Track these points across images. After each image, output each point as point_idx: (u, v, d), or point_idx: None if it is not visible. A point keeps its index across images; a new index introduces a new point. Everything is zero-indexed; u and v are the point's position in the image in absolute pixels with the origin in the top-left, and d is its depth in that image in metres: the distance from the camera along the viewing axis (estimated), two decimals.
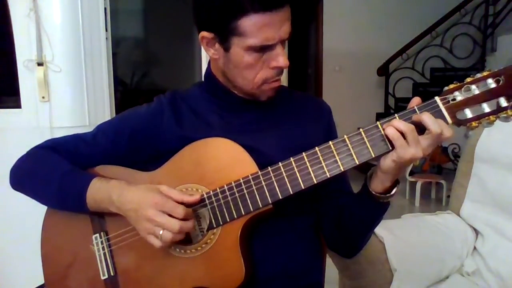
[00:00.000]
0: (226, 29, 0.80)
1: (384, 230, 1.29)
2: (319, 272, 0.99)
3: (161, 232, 0.78)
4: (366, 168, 0.87)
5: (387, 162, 0.75)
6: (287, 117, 0.94)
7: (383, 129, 0.74)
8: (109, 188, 0.85)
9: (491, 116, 0.72)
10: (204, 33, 0.84)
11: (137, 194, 0.82)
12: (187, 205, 0.81)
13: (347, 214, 0.89)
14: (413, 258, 1.32)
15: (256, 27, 0.78)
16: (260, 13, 0.77)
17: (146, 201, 0.79)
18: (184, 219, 0.79)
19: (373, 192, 0.81)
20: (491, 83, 0.72)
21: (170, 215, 0.78)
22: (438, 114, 0.73)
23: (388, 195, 0.81)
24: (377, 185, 0.80)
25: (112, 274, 0.89)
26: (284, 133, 0.91)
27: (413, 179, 3.85)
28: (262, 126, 0.92)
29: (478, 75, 0.73)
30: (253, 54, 0.81)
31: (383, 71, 5.31)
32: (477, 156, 1.44)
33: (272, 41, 0.80)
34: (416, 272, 1.31)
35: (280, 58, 0.82)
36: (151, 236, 0.79)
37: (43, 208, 0.96)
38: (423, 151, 0.72)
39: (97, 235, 0.91)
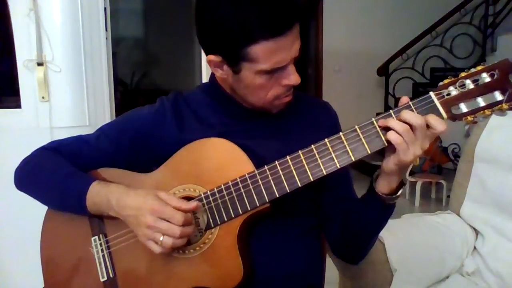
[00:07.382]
0: (235, 55, 0.79)
1: (384, 230, 1.27)
2: (319, 273, 0.98)
3: (161, 238, 0.78)
4: (366, 168, 0.87)
5: (390, 165, 0.76)
6: (291, 123, 0.93)
7: (380, 130, 0.75)
8: (108, 192, 0.85)
9: (486, 110, 0.72)
10: (212, 57, 0.82)
11: (135, 199, 0.82)
12: (185, 211, 0.80)
13: (353, 218, 0.89)
14: (413, 258, 1.32)
15: (267, 53, 0.77)
16: (270, 40, 0.75)
17: (145, 207, 0.79)
18: (184, 225, 0.78)
19: (379, 193, 0.81)
20: (486, 77, 0.71)
21: (169, 222, 0.78)
22: (433, 109, 0.73)
23: (393, 196, 0.81)
24: (384, 186, 0.80)
25: (111, 276, 0.89)
26: (288, 139, 0.90)
27: (413, 179, 3.84)
28: (266, 132, 0.91)
29: (473, 70, 0.73)
30: (265, 76, 0.80)
31: (383, 71, 5.31)
32: (477, 156, 1.44)
33: (283, 63, 0.79)
34: (416, 272, 1.31)
35: (292, 76, 0.82)
36: (151, 242, 0.79)
37: (44, 209, 0.96)
38: (421, 148, 0.72)
39: (96, 237, 0.91)
